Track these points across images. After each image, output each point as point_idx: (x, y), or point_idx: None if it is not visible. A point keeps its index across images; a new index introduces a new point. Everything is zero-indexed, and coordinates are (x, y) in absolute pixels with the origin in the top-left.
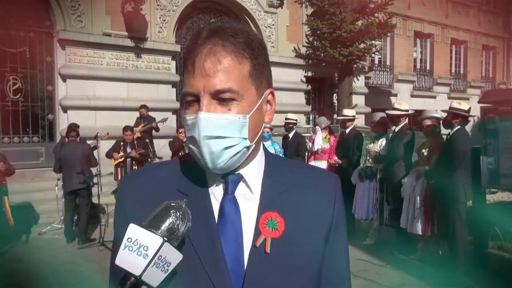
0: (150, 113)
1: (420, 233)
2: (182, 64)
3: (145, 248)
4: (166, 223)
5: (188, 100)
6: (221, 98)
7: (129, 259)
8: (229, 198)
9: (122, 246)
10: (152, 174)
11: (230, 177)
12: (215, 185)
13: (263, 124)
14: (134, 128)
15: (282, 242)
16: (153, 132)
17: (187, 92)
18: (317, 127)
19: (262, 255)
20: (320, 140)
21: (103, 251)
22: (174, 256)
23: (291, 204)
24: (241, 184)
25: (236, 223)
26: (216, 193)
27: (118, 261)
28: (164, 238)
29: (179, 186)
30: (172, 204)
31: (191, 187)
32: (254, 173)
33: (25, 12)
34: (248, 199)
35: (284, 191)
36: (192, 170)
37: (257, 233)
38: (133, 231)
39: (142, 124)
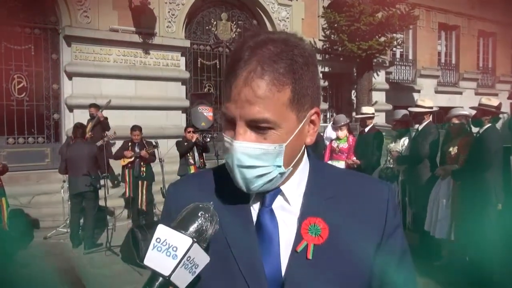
0: (159, 112)
1: (444, 236)
2: (224, 75)
3: (174, 249)
4: (195, 225)
5: (227, 119)
6: (257, 127)
7: (158, 260)
8: (266, 210)
9: (151, 246)
10: (198, 181)
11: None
12: (254, 196)
13: (303, 146)
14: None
15: (326, 249)
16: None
17: (224, 113)
18: (328, 126)
19: (303, 261)
20: (330, 133)
21: (110, 256)
22: (202, 258)
23: (337, 212)
24: (279, 197)
25: (273, 234)
26: (255, 204)
27: (147, 262)
28: (194, 239)
29: (221, 194)
30: (200, 205)
31: (232, 197)
32: (294, 186)
33: (30, 8)
34: (286, 210)
35: (330, 197)
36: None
37: (298, 238)
38: (162, 231)
39: (93, 123)
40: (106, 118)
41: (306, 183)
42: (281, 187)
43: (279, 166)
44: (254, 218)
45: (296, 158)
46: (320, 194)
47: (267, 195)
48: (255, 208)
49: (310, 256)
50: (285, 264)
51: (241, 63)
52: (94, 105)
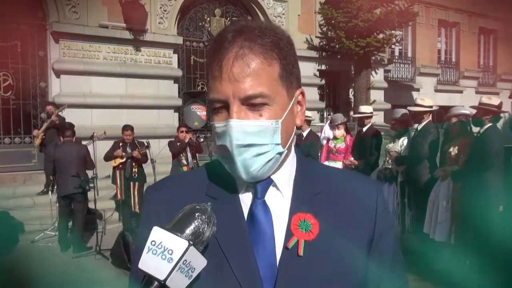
0: (150, 111)
1: (444, 239)
2: (206, 68)
3: (170, 252)
4: (191, 227)
5: (215, 107)
6: (252, 104)
7: (152, 263)
8: (259, 202)
9: (146, 249)
10: (180, 181)
11: (259, 182)
12: (244, 190)
13: (295, 127)
14: (37, 131)
15: (317, 245)
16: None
17: (214, 98)
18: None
19: (294, 258)
20: (328, 133)
21: (100, 260)
22: (199, 261)
23: (327, 207)
24: (271, 188)
25: (267, 227)
26: (245, 198)
27: (141, 265)
28: (190, 242)
29: (208, 191)
30: (197, 207)
31: (220, 192)
32: (285, 176)
33: (16, 3)
34: (279, 202)
35: (319, 192)
36: (221, 175)
37: (288, 234)
38: (157, 234)
39: (46, 124)
40: (62, 121)
41: (294, 176)
42: (273, 177)
43: (277, 144)
44: (245, 212)
45: (290, 140)
46: (309, 188)
47: (259, 186)
48: (245, 202)
49: (301, 253)
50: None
51: (226, 43)
52: (52, 103)
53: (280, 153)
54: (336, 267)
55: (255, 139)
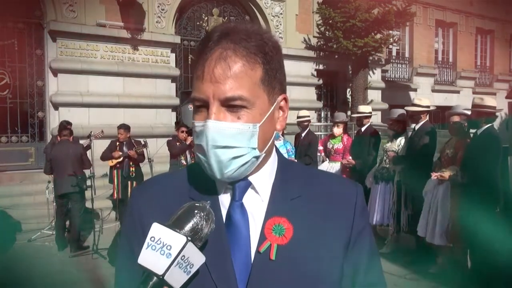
0: (148, 110)
1: (443, 243)
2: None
3: (169, 247)
4: (190, 223)
5: (197, 105)
6: (231, 106)
7: (152, 259)
8: (236, 204)
9: (145, 245)
10: (164, 182)
11: (238, 184)
12: (223, 192)
13: (275, 132)
14: None
15: (290, 249)
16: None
17: (195, 97)
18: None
19: (266, 261)
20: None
21: (97, 260)
22: (197, 257)
23: (303, 211)
24: (250, 190)
25: (243, 230)
26: (224, 200)
27: (141, 260)
28: (188, 238)
29: (190, 194)
30: (196, 204)
31: (201, 194)
32: (264, 179)
33: (13, 2)
34: (257, 205)
35: (296, 197)
36: (202, 177)
37: (262, 238)
38: (157, 230)
39: None
40: None
41: (274, 179)
42: (251, 179)
43: (254, 149)
44: (224, 214)
45: (269, 144)
46: (286, 193)
47: (237, 188)
48: (224, 204)
49: (273, 257)
50: None
51: (212, 43)
52: None
53: (257, 157)
54: (308, 271)
55: (231, 141)
